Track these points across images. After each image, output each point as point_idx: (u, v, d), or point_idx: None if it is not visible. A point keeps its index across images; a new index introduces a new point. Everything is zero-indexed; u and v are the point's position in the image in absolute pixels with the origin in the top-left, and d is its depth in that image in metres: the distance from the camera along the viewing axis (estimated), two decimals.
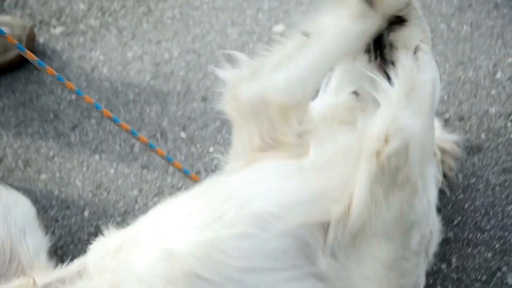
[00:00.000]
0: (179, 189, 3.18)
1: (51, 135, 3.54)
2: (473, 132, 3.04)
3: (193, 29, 3.93)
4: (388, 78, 2.10)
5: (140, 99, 3.62)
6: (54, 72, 2.49)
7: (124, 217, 3.12)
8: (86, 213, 3.19)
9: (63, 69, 3.82)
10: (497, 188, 2.81)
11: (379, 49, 2.25)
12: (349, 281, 1.97)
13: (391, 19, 2.16)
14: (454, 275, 2.64)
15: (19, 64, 3.85)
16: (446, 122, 3.10)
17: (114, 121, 2.71)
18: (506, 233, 2.65)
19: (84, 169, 3.36)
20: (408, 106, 1.97)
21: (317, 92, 2.45)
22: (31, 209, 2.54)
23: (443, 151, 2.65)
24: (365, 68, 2.22)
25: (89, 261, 2.11)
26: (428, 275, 2.45)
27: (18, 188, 3.18)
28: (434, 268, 2.63)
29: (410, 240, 2.03)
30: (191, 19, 4.00)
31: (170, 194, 3.17)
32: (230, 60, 2.22)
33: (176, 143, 3.37)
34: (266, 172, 2.07)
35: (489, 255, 2.64)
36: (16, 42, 2.40)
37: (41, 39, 4.02)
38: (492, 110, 3.12)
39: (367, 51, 2.26)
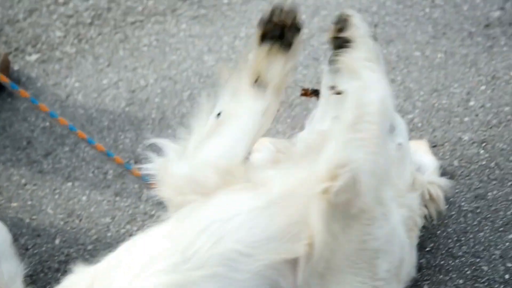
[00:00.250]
0: (152, 216, 3.19)
1: (23, 162, 3.55)
2: (446, 159, 3.08)
3: (169, 56, 3.98)
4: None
5: (114, 126, 3.64)
6: (28, 95, 2.52)
7: (96, 245, 3.12)
8: (57, 241, 3.19)
9: (38, 96, 3.84)
10: (469, 214, 2.85)
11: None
12: None
13: (337, 41, 2.18)
14: None
15: None
16: None
17: (89, 142, 2.72)
18: (478, 260, 2.68)
19: (56, 196, 3.37)
20: (353, 136, 1.98)
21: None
22: (7, 236, 2.55)
23: (430, 197, 2.65)
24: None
25: None
26: None
27: None
28: None
29: (377, 269, 2.05)
30: (168, 46, 4.04)
31: (143, 221, 3.19)
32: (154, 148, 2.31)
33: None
34: (236, 208, 2.07)
35: (461, 281, 2.66)
36: None
37: (16, 66, 4.05)
38: (465, 137, 3.17)
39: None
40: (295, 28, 2.25)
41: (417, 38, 3.74)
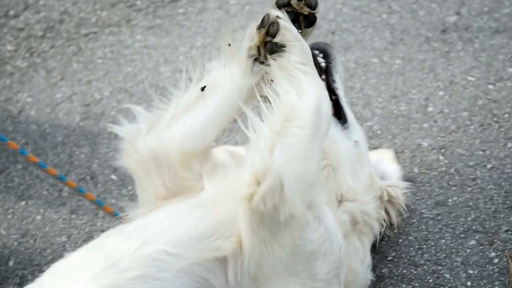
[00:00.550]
0: None
1: None
2: (407, 166, 3.11)
3: (124, 67, 3.95)
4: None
5: (69, 141, 3.60)
6: None
7: (52, 266, 3.06)
8: (11, 263, 3.13)
9: None
10: (430, 222, 2.87)
11: None
12: None
13: (269, 46, 2.14)
14: None
15: None
16: None
17: (41, 166, 2.69)
18: (440, 268, 2.70)
19: (10, 216, 3.31)
20: (280, 140, 1.96)
21: None
22: None
23: (390, 199, 2.66)
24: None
25: None
26: None
27: None
28: None
29: (315, 270, 2.04)
30: (123, 57, 4.01)
31: None
32: (128, 115, 2.27)
33: (106, 185, 3.35)
34: (163, 213, 2.10)
35: None
36: None
37: None
38: (425, 143, 3.20)
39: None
40: (310, 20, 2.19)
41: (374, 44, 3.77)
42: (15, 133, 3.67)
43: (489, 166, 3.03)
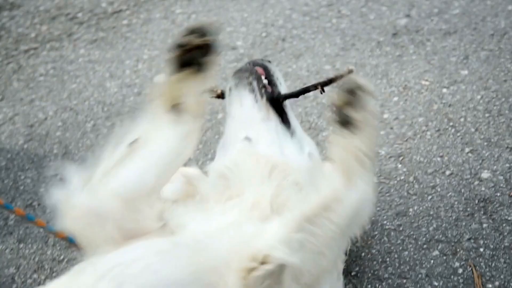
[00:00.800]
0: (60, 262, 3.05)
1: None
2: None
3: (68, 84, 3.84)
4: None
5: (13, 165, 3.47)
6: None
7: None
8: None
9: None
10: (392, 233, 2.85)
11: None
12: None
13: (342, 116, 1.96)
14: None
15: None
16: None
17: None
18: (404, 281, 2.68)
19: None
20: (306, 229, 1.85)
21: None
22: None
23: None
24: None
25: None
26: None
27: None
28: None
29: None
30: (66, 74, 3.90)
31: (51, 268, 3.04)
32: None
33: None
34: (139, 250, 1.95)
35: None
36: None
37: None
38: (382, 151, 3.18)
39: (252, 90, 2.31)
40: (205, 49, 2.06)
41: (326, 50, 3.74)
42: None
43: (447, 172, 3.03)
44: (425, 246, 2.78)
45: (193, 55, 2.06)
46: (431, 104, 3.34)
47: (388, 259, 2.77)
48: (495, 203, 2.87)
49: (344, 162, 1.93)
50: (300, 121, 3.31)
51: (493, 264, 2.67)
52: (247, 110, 2.33)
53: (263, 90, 2.34)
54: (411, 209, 2.93)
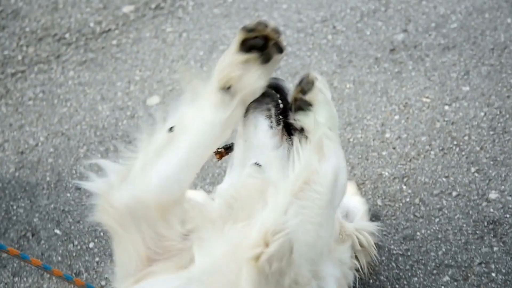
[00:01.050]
0: None
1: None
2: (369, 199, 3.06)
3: (59, 108, 3.78)
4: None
5: (4, 194, 3.41)
6: None
7: None
8: None
9: None
10: (400, 258, 2.83)
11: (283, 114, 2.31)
12: None
13: (299, 103, 2.21)
14: None
15: None
16: None
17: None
18: None
19: None
20: (296, 203, 1.97)
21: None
22: None
23: (361, 246, 2.61)
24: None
25: None
26: None
27: None
28: None
29: None
30: (56, 97, 3.85)
31: None
32: (95, 169, 2.17)
33: (50, 241, 3.19)
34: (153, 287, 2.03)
35: None
36: None
37: None
38: (386, 173, 3.16)
39: (269, 116, 2.31)
40: (278, 47, 2.20)
41: (323, 68, 3.72)
42: None
43: (454, 193, 3.02)
44: (435, 271, 2.76)
45: (260, 42, 2.16)
46: (434, 122, 3.32)
47: (397, 286, 2.75)
48: (504, 225, 2.86)
49: (312, 138, 2.13)
50: None
51: None
52: (260, 135, 2.33)
53: (280, 117, 2.34)
54: (418, 233, 2.90)
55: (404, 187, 3.09)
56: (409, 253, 2.84)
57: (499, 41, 3.66)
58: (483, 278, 2.69)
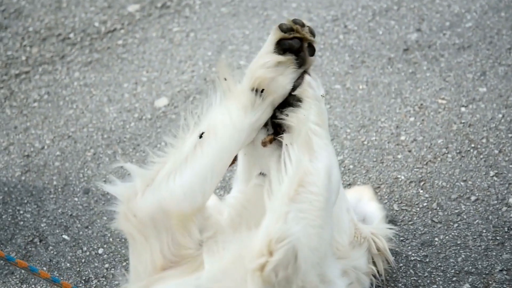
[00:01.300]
0: None
1: None
2: (385, 203, 3.04)
3: (65, 110, 3.76)
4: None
5: (11, 199, 3.40)
6: None
7: None
8: None
9: None
10: (419, 265, 2.81)
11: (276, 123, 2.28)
12: None
13: (287, 98, 2.19)
14: None
15: None
16: None
17: None
18: None
19: None
20: (294, 207, 1.96)
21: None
22: None
23: (378, 251, 2.60)
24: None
25: None
26: None
27: None
28: None
29: None
30: (61, 99, 3.83)
31: None
32: (120, 172, 2.15)
33: (58, 247, 3.17)
34: None
35: None
36: None
37: None
38: (402, 176, 3.14)
39: (265, 124, 2.28)
40: (312, 48, 2.21)
41: (335, 69, 3.70)
42: None
43: (473, 198, 3.00)
44: (454, 278, 2.74)
45: (297, 44, 2.15)
46: (450, 124, 3.30)
47: None
48: None
49: (300, 137, 2.10)
50: None
51: None
52: (259, 145, 2.31)
53: (274, 121, 2.31)
54: (436, 238, 2.89)
55: (421, 191, 3.07)
56: (427, 260, 2.82)
57: None
58: (504, 285, 2.67)
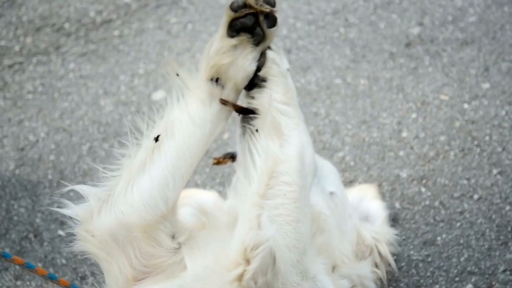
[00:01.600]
0: None
1: None
2: (387, 201, 3.04)
3: (60, 103, 3.74)
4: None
5: (5, 193, 3.38)
6: None
7: None
8: None
9: None
10: (421, 264, 2.82)
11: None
12: None
13: (252, 79, 2.07)
14: None
15: None
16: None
17: None
18: None
19: None
20: (267, 205, 1.88)
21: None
22: None
23: (380, 257, 2.58)
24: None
25: None
26: None
27: None
28: None
29: None
30: (56, 91, 3.81)
31: None
32: (74, 195, 2.08)
33: (54, 243, 3.16)
34: None
35: None
36: None
37: None
38: (403, 174, 3.14)
39: None
40: (272, 18, 2.04)
41: (335, 63, 3.69)
42: None
43: (476, 196, 3.00)
44: (457, 278, 2.75)
45: (250, 20, 2.00)
46: (453, 121, 3.31)
47: None
48: None
49: (266, 122, 1.99)
50: (313, 141, 3.25)
51: None
52: None
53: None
54: (439, 238, 2.89)
55: (423, 189, 3.07)
56: (429, 259, 2.83)
57: None
58: (508, 286, 2.69)
